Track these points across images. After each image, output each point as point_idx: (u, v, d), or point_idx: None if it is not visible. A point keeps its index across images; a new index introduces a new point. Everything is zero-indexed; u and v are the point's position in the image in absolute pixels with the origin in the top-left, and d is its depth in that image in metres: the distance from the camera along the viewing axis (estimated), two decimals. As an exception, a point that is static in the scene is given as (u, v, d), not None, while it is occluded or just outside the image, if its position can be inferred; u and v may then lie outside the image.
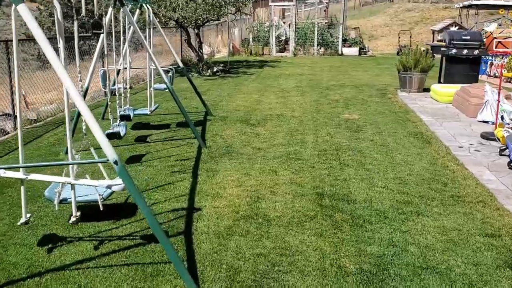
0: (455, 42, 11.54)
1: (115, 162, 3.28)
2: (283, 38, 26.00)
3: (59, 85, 10.75)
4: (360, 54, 24.17)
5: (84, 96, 6.90)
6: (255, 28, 25.90)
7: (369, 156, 6.75)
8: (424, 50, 12.28)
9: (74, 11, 4.49)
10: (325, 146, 7.30)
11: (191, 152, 7.04)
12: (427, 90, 11.89)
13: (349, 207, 4.98)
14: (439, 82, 12.26)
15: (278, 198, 5.23)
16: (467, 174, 6.01)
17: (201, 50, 17.73)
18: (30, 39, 20.10)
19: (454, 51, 11.53)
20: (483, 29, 19.19)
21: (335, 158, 6.69)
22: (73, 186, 4.11)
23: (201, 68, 16.94)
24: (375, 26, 32.53)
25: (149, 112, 8.08)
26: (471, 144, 7.42)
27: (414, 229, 4.49)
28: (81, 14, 4.63)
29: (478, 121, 8.96)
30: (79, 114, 6.93)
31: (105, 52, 6.71)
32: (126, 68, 8.34)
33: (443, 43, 11.94)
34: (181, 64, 9.36)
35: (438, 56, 12.49)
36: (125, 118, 7.26)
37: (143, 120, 9.19)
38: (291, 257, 3.98)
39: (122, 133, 6.38)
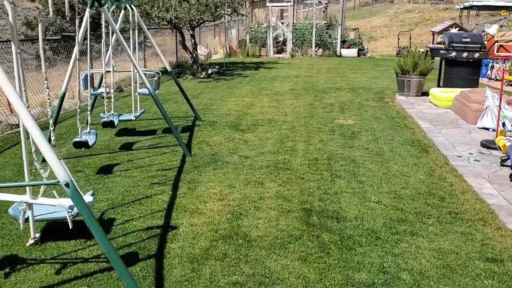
0: (454, 44, 11.15)
1: (66, 185, 2.88)
2: (281, 39, 25.62)
3: (53, 86, 10.40)
4: (359, 55, 23.79)
5: (61, 101, 6.51)
6: (252, 29, 25.52)
7: (363, 167, 6.36)
8: (422, 52, 11.91)
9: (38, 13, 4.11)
10: (317, 154, 6.91)
11: (174, 161, 6.65)
12: (426, 94, 11.51)
13: (339, 226, 4.60)
14: (438, 86, 11.88)
15: (262, 215, 4.84)
16: (466, 187, 5.62)
17: (195, 52, 17.34)
18: (29, 39, 19.78)
19: (453, 54, 11.15)
20: (483, 31, 18.82)
21: (327, 168, 6.30)
22: (30, 206, 3.73)
23: (195, 70, 16.56)
24: (374, 27, 32.15)
25: (134, 118, 7.71)
26: (470, 154, 7.04)
27: (407, 252, 4.10)
28: (49, 15, 4.26)
29: (478, 127, 8.58)
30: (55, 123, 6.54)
31: (89, 55, 6.31)
32: (109, 71, 7.99)
33: (443, 46, 11.56)
34: (168, 68, 8.98)
35: (437, 58, 12.09)
36: (108, 125, 6.88)
37: (129, 126, 8.80)
38: (270, 286, 3.59)
39: (90, 142, 6.00)
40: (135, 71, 8.29)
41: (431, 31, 24.65)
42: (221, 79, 15.57)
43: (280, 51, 25.03)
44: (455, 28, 21.70)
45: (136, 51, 8.42)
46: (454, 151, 7.17)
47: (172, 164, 6.53)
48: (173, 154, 7.02)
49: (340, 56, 23.56)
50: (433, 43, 23.00)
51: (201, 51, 25.39)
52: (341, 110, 10.11)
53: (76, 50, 6.06)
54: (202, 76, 16.22)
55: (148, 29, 18.84)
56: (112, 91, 7.85)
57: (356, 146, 7.37)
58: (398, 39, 24.41)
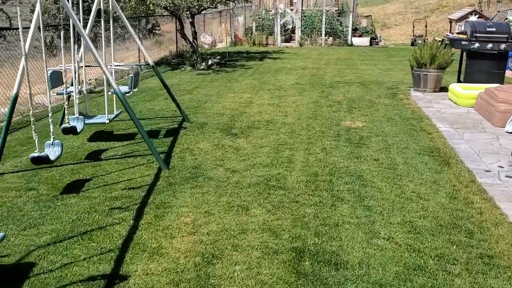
0: (478, 34, 9.93)
1: None
2: (290, 26, 24.39)
3: (39, 81, 9.43)
4: (371, 44, 22.49)
5: (13, 104, 5.48)
6: (259, 16, 24.29)
7: (371, 186, 5.27)
8: (440, 41, 10.64)
9: None
10: (317, 168, 5.83)
11: (147, 176, 5.62)
12: (444, 89, 10.32)
13: (337, 277, 3.53)
14: (459, 81, 10.69)
15: (240, 257, 3.80)
16: (499, 216, 4.52)
17: (195, 41, 16.23)
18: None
19: (476, 45, 9.93)
20: (506, 18, 17.43)
21: (327, 187, 5.23)
22: None
23: (195, 61, 15.46)
24: (388, 14, 30.68)
25: (107, 121, 6.68)
26: (500, 167, 5.91)
27: (428, 323, 3.03)
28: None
29: (506, 132, 7.43)
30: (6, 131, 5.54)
31: (44, 48, 5.27)
32: (83, 66, 6.99)
33: (464, 36, 10.33)
34: (150, 62, 7.89)
35: (456, 50, 10.87)
36: (69, 131, 5.86)
37: (106, 128, 7.78)
38: None
39: (53, 157, 4.98)
40: (110, 66, 7.26)
41: (449, 18, 23.24)
42: (221, 71, 14.48)
43: (289, 39, 23.79)
44: (475, 15, 20.30)
45: (112, 42, 7.37)
46: (480, 163, 6.04)
47: (143, 180, 5.49)
48: (148, 166, 5.98)
49: (351, 45, 22.29)
50: (450, 31, 21.63)
51: (206, 39, 24.28)
52: (349, 109, 8.98)
53: (26, 44, 5.01)
54: (202, 67, 15.13)
55: (150, 16, 17.74)
56: (81, 88, 6.84)
57: (364, 156, 6.27)
58: (413, 27, 23.03)
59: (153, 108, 9.25)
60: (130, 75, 6.88)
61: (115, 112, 7.11)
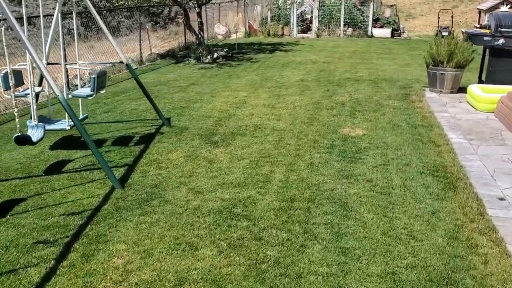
0: (503, 29, 8.79)
1: None
2: (308, 16, 23.29)
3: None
4: (392, 36, 21.24)
5: None
6: (276, 5, 23.26)
7: (355, 218, 4.37)
8: (464, 34, 9.49)
9: None
10: (296, 190, 4.95)
11: (95, 197, 4.84)
12: (463, 90, 9.24)
13: None
14: (480, 81, 9.57)
15: (164, 324, 2.97)
16: (510, 269, 3.57)
17: (201, 33, 15.38)
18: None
19: (501, 41, 8.80)
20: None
21: (302, 218, 4.35)
22: None
23: (201, 54, 14.62)
24: (414, 3, 29.16)
25: (68, 128, 5.93)
26: (518, 194, 4.92)
27: None
28: None
29: (530, 146, 6.39)
30: None
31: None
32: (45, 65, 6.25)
33: (487, 30, 9.20)
34: (124, 60, 7.04)
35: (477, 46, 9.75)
36: (23, 141, 5.13)
37: (75, 133, 7.02)
38: None
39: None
40: (76, 65, 6.51)
41: (478, 8, 21.74)
42: (226, 65, 13.62)
43: (306, 30, 22.71)
44: (506, 5, 18.83)
45: (76, 39, 6.59)
46: (494, 187, 5.06)
47: (88, 203, 4.71)
48: (102, 183, 5.20)
49: (372, 36, 21.08)
50: (478, 23, 20.19)
51: (220, 30, 23.39)
52: (351, 113, 8.02)
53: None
54: (207, 60, 14.29)
55: (153, 6, 16.93)
56: (46, 91, 6.12)
57: (356, 175, 5.36)
58: (438, 18, 21.61)
59: (137, 109, 8.47)
60: (93, 76, 6.07)
61: (81, 116, 6.35)
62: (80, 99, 6.53)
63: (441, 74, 9.31)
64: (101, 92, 6.22)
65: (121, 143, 6.50)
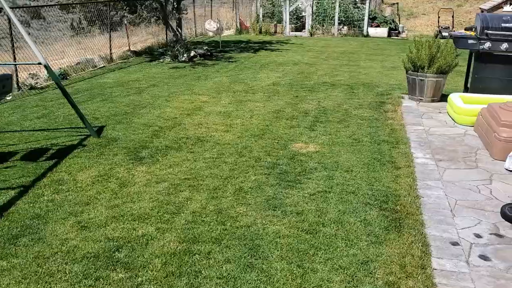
0: (490, 31, 7.81)
1: None
2: (304, 14, 22.30)
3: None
4: (389, 35, 20.19)
5: None
6: (269, 2, 22.29)
7: (260, 268, 3.48)
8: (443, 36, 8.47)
9: None
10: (205, 226, 4.07)
11: (-43, 231, 3.98)
12: (446, 98, 8.26)
13: None
14: (465, 89, 8.60)
15: None
16: None
17: (179, 29, 14.51)
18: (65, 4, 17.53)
19: (487, 44, 7.83)
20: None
21: (194, 269, 3.47)
22: None
23: (178, 52, 13.74)
24: (416, 2, 28.08)
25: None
26: (477, 236, 4.01)
27: None
28: None
29: (506, 169, 5.44)
30: None
31: None
32: None
33: (471, 33, 8.22)
34: (42, 61, 6.12)
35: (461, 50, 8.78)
36: None
37: (-11, 142, 6.19)
38: None
39: None
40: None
41: (480, 8, 20.66)
42: (201, 64, 12.75)
43: (300, 28, 21.71)
44: (510, 5, 17.78)
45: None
46: (449, 227, 4.14)
47: None
48: (-24, 211, 4.35)
49: (367, 36, 20.04)
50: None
51: (210, 26, 22.46)
52: (312, 124, 7.11)
53: None
54: (183, 59, 13.41)
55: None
56: None
57: (286, 204, 4.46)
58: (438, 17, 20.53)
59: (75, 114, 7.60)
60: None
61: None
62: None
63: (421, 80, 8.35)
64: (7, 98, 5.36)
65: (31, 158, 5.65)
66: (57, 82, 6.23)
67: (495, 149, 5.80)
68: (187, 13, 23.51)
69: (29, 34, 6.43)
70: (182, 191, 4.78)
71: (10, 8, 6.04)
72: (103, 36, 14.40)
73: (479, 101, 7.37)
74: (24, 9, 19.82)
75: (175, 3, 14.45)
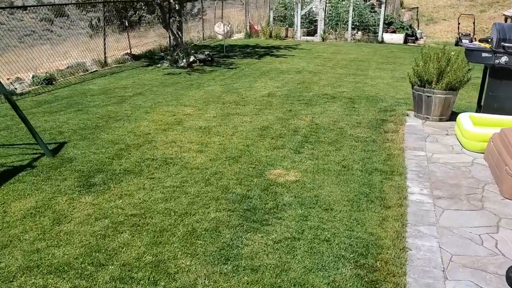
0: (507, 44, 6.89)
1: None
2: (317, 17, 21.43)
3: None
4: (406, 42, 19.20)
5: None
6: (282, 5, 21.48)
7: None
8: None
9: None
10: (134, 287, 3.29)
11: None
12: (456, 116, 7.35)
13: None
14: (478, 108, 7.67)
15: None
16: None
17: (179, 33, 13.81)
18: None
19: (504, 59, 6.91)
20: None
21: None
22: None
23: (178, 56, 13.04)
24: (437, 6, 26.89)
25: None
26: (473, 312, 3.14)
27: None
28: None
29: (518, 213, 4.55)
30: None
31: None
32: None
33: (486, 45, 7.30)
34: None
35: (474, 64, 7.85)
36: None
37: None
38: None
39: None
40: None
41: (504, 14, 19.51)
42: (198, 71, 12.04)
43: (313, 32, 20.86)
44: (535, 12, 16.62)
45: None
46: (438, 296, 3.28)
47: None
48: None
49: (382, 42, 19.08)
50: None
51: (219, 29, 21.77)
52: (299, 145, 6.29)
53: None
54: (182, 64, 12.72)
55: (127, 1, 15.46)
56: None
57: (242, 256, 3.67)
58: (458, 23, 19.41)
59: (40, 126, 6.93)
60: None
61: None
62: None
63: (428, 96, 7.46)
64: None
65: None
66: (5, 93, 5.53)
67: (505, 185, 4.91)
68: (206, 14, 22.94)
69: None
70: (122, 232, 4.02)
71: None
72: (112, 38, 13.80)
73: (491, 123, 6.49)
74: (49, 7, 19.41)
75: (176, 5, 13.74)
